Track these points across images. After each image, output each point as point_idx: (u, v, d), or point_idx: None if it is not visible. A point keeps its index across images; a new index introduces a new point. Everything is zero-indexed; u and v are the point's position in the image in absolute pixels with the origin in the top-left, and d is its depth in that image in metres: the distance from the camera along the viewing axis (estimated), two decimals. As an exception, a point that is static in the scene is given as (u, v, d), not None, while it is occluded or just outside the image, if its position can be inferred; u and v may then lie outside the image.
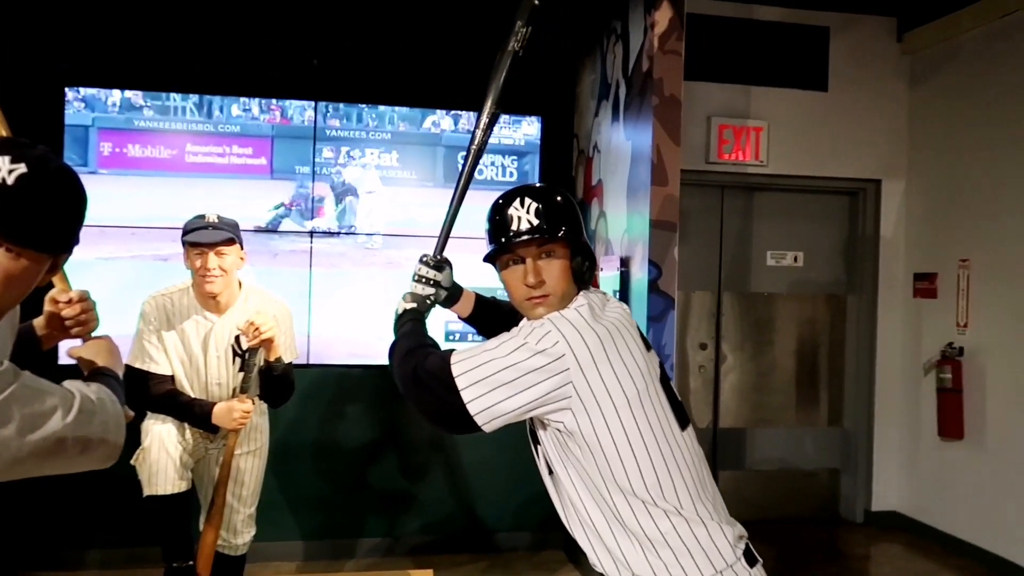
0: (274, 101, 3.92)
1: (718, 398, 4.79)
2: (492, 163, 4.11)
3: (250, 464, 2.86)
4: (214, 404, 2.61)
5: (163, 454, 2.60)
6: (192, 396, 2.67)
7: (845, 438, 4.93)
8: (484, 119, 1.85)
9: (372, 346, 3.86)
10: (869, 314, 4.82)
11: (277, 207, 3.98)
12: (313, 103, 3.95)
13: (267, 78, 3.95)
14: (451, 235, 1.87)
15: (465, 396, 1.45)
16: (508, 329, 1.84)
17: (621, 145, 3.52)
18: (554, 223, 1.55)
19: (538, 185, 1.68)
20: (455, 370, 1.47)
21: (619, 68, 3.56)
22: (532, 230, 1.53)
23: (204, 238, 2.53)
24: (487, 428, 1.47)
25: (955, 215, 4.41)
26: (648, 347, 1.58)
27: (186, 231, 2.57)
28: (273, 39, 3.97)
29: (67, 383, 1.29)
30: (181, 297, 2.67)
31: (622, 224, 3.51)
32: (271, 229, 3.96)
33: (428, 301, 1.83)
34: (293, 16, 3.94)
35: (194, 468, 2.82)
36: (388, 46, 4.09)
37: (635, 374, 1.48)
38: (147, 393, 2.62)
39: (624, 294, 3.40)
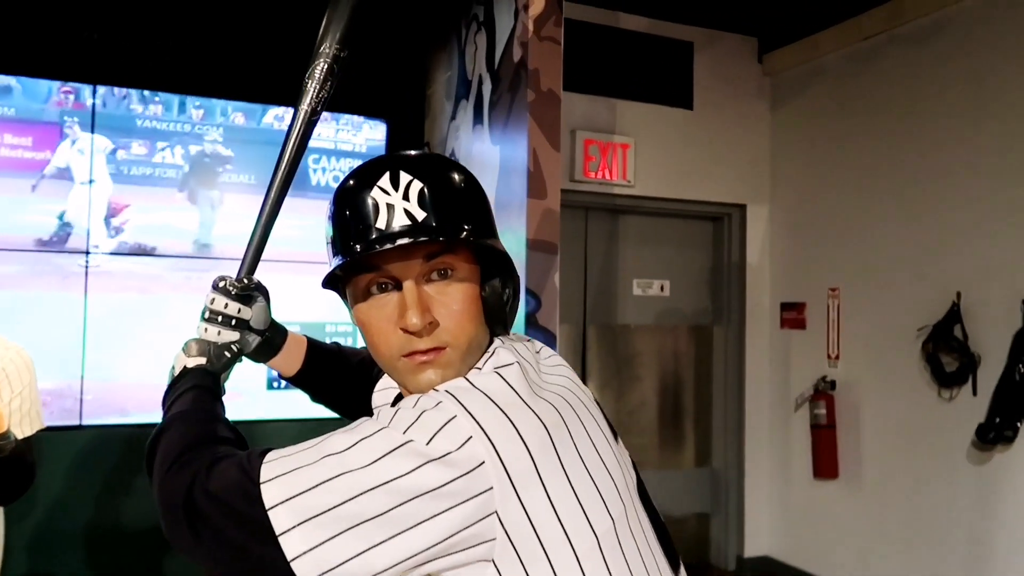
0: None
1: (584, 443, 4.31)
2: (327, 168, 3.41)
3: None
4: None
5: None
6: None
7: (714, 479, 4.60)
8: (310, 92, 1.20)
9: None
10: (736, 346, 4.54)
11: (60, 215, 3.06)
12: (92, 86, 3.08)
13: (38, 53, 3.04)
14: (265, 251, 1.19)
15: (289, 545, 0.78)
16: (366, 400, 1.18)
17: (487, 152, 2.96)
18: (453, 215, 0.92)
19: (421, 153, 1.03)
20: (269, 493, 0.80)
21: (482, 61, 3.00)
22: (414, 228, 0.89)
23: None
24: None
25: (822, 242, 4.23)
26: (615, 435, 0.98)
27: None
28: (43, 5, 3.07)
29: None
30: None
31: (488, 245, 2.93)
32: (48, 248, 3.02)
33: (228, 354, 1.13)
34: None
35: None
36: (195, 24, 3.30)
37: (607, 491, 0.87)
38: None
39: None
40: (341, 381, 1.30)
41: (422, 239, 0.88)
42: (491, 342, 0.95)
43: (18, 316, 2.97)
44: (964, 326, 3.47)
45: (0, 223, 2.97)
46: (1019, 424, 3.26)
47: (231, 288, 1.13)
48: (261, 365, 1.25)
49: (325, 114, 3.38)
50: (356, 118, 3.46)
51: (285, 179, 1.17)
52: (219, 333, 1.13)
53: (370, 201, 0.90)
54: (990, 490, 3.39)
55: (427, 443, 0.80)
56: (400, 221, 0.89)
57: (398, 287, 0.91)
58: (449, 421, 0.81)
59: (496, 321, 0.95)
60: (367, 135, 3.49)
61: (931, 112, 3.66)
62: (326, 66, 1.19)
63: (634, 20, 4.18)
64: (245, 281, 1.14)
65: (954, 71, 3.56)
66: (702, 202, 4.44)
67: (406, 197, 0.90)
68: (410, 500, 0.78)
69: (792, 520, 4.39)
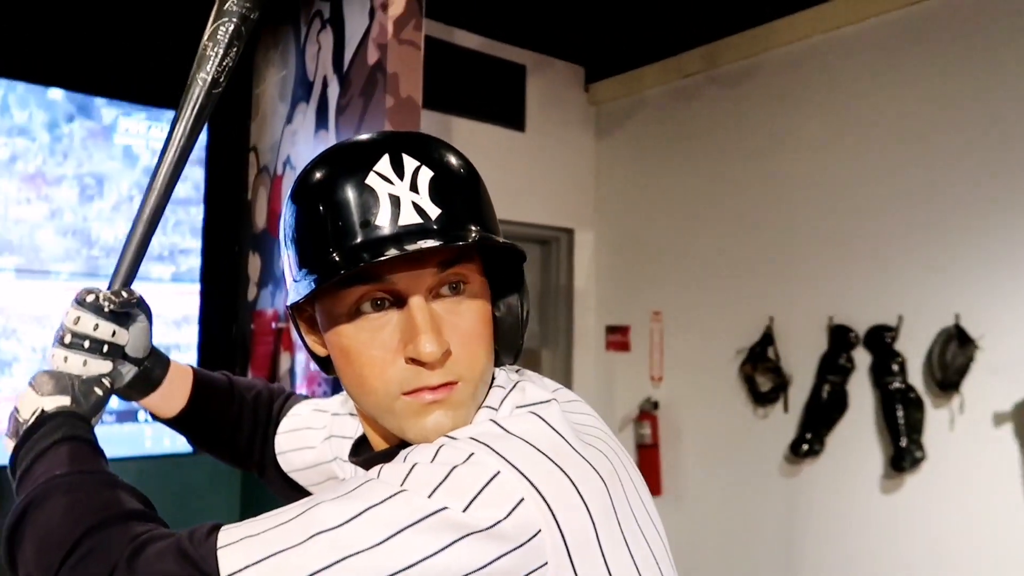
0: None
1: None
2: (127, 176, 2.98)
3: None
4: None
5: None
6: None
7: (542, 504, 4.58)
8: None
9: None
10: (564, 369, 4.58)
11: None
12: None
13: None
14: (143, 259, 0.92)
15: None
16: (265, 447, 0.95)
17: (331, 159, 2.71)
18: (473, 214, 0.72)
19: (412, 132, 0.79)
20: None
21: (328, 62, 2.76)
22: (428, 228, 0.69)
23: None
24: None
25: (645, 266, 4.39)
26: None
27: None
28: None
29: None
30: None
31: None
32: None
33: (99, 390, 0.85)
34: None
35: None
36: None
37: (659, 554, 0.72)
38: None
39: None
40: (233, 423, 1.03)
41: (440, 244, 0.68)
42: (500, 375, 0.77)
43: None
44: (777, 348, 3.73)
45: None
46: (825, 439, 3.54)
47: (104, 303, 0.85)
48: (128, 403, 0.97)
49: (129, 105, 2.90)
50: (165, 112, 3.05)
51: (175, 167, 0.92)
52: (85, 363, 0.84)
53: (366, 191, 0.69)
54: (800, 500, 3.64)
55: (464, 510, 0.61)
56: (409, 218, 0.69)
57: (397, 304, 0.71)
58: (492, 479, 0.62)
59: (510, 348, 0.78)
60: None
61: (742, 148, 3.93)
62: (233, 27, 0.96)
63: (469, 38, 4.11)
64: (124, 295, 0.86)
65: (761, 112, 3.86)
66: (532, 224, 4.45)
67: (414, 188, 0.70)
68: None
69: (616, 539, 4.46)
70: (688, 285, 4.14)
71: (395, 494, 0.62)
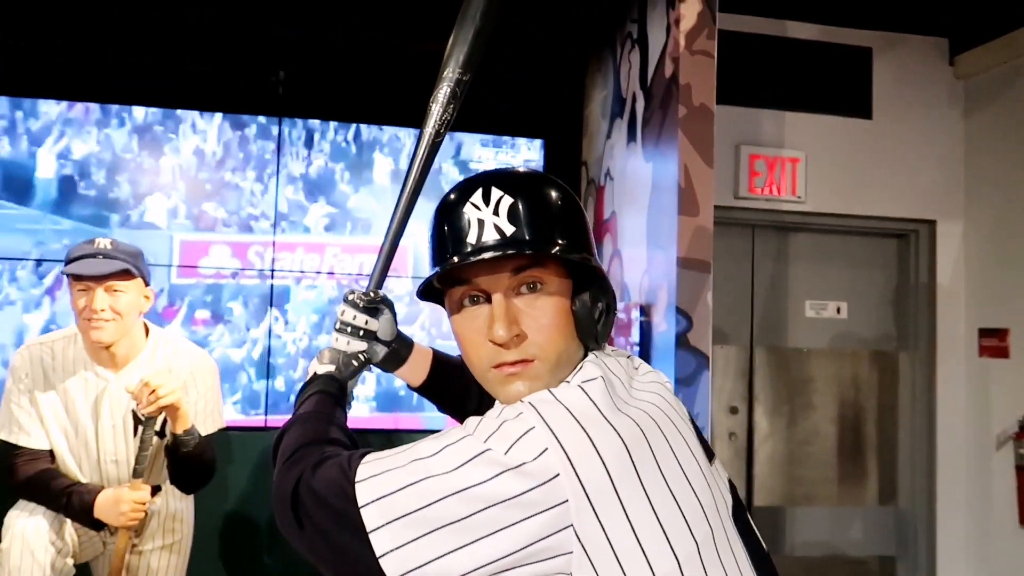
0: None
1: (752, 471, 4.10)
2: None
3: (164, 562, 2.19)
4: (99, 491, 1.97)
5: (26, 558, 1.94)
6: (73, 479, 2.03)
7: (901, 520, 4.20)
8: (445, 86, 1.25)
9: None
10: (926, 375, 4.14)
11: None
12: (277, 120, 3.39)
13: (228, 93, 3.41)
14: (392, 263, 1.25)
15: (378, 543, 0.81)
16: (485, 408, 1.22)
17: (639, 170, 2.93)
18: (543, 230, 0.93)
19: (516, 169, 1.07)
20: (362, 492, 0.84)
21: (636, 79, 2.99)
22: (502, 242, 0.91)
23: (88, 269, 1.92)
24: None
25: (1027, 260, 3.77)
26: (711, 456, 0.94)
27: (68, 260, 1.97)
28: (234, 51, 3.44)
29: None
30: (65, 347, 2.05)
31: (641, 264, 2.89)
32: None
33: (355, 363, 1.20)
34: (256, 27, 3.42)
35: (94, 567, 2.18)
36: (362, 59, 3.55)
37: (692, 513, 0.84)
38: (14, 474, 1.99)
39: (645, 351, 2.77)
40: (465, 391, 1.33)
41: (510, 252, 0.90)
42: (585, 356, 0.95)
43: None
44: None
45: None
46: None
47: (359, 301, 1.20)
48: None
49: (485, 136, 3.46)
50: (514, 139, 3.55)
51: (411, 198, 1.23)
52: (348, 343, 1.20)
53: (463, 216, 0.94)
54: None
55: (505, 452, 0.82)
56: (490, 236, 0.92)
57: (489, 300, 0.94)
58: (527, 432, 0.83)
59: (587, 335, 0.95)
60: (525, 155, 3.57)
61: None
62: (449, 90, 1.24)
63: (804, 28, 3.98)
64: (371, 295, 1.21)
65: None
66: (883, 218, 4.11)
67: (496, 212, 0.93)
68: (487, 508, 0.80)
69: (995, 572, 3.91)
70: (1084, 280, 3.48)
71: (465, 437, 0.86)
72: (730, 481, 0.97)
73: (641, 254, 2.89)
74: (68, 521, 2.01)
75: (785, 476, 4.14)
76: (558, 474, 0.80)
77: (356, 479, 0.85)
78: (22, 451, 2.00)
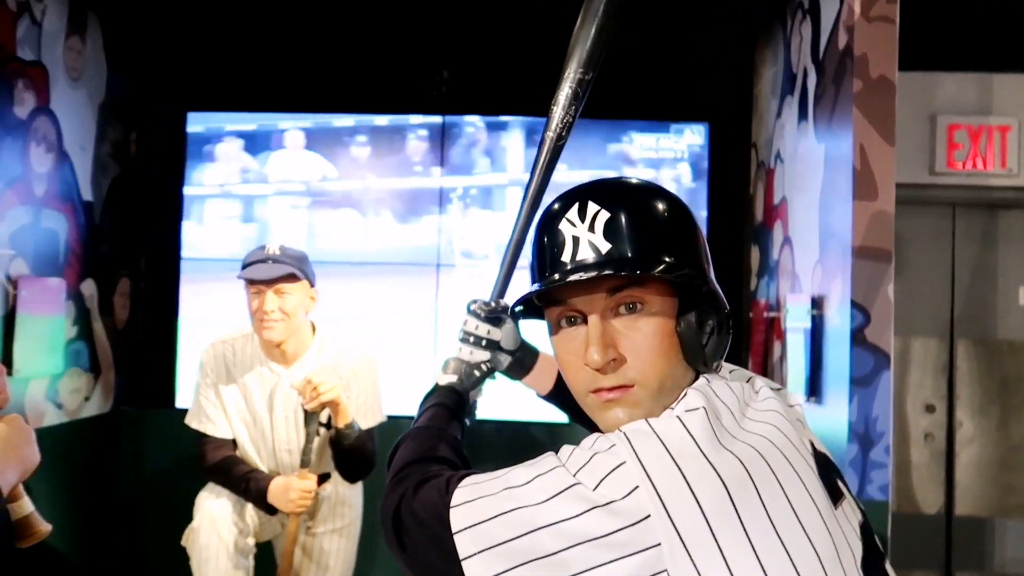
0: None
1: (952, 476, 3.69)
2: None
3: (335, 544, 2.35)
4: (272, 479, 2.13)
5: (213, 538, 2.14)
6: (253, 466, 2.21)
7: None
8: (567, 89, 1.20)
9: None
10: None
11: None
12: (441, 117, 3.48)
13: (390, 92, 3.55)
14: (511, 278, 1.23)
15: (469, 570, 0.80)
16: None
17: (811, 150, 2.71)
18: (642, 247, 0.86)
19: (619, 180, 1.00)
20: (456, 518, 0.82)
21: (807, 52, 2.75)
22: (597, 262, 0.86)
23: (260, 274, 2.07)
24: None
25: None
26: (837, 497, 0.84)
27: (243, 265, 2.13)
28: (397, 51, 3.56)
29: None
30: (244, 345, 2.23)
31: (813, 253, 2.68)
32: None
33: (477, 373, 1.19)
34: (417, 25, 3.51)
35: (275, 545, 2.38)
36: (526, 51, 3.55)
37: (805, 564, 0.75)
38: (203, 459, 2.20)
39: (817, 349, 2.56)
40: None
41: (606, 272, 0.84)
42: (695, 379, 0.87)
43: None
44: None
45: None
46: None
47: (480, 311, 1.19)
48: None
49: (644, 123, 3.31)
50: (677, 124, 3.41)
51: (532, 205, 1.20)
52: (471, 353, 1.20)
53: (559, 233, 0.89)
54: None
55: (594, 488, 0.77)
56: (584, 254, 0.87)
57: (586, 321, 0.89)
58: (618, 467, 0.77)
59: (695, 358, 0.87)
60: (688, 140, 3.42)
61: None
62: (571, 91, 1.19)
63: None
64: (493, 304, 1.20)
65: None
66: None
67: (592, 229, 0.87)
68: (577, 545, 0.76)
69: None
70: None
71: (557, 467, 0.81)
72: (865, 526, 0.86)
73: (813, 242, 2.67)
74: (249, 503, 2.20)
75: (994, 483, 3.69)
76: (649, 515, 0.74)
77: (451, 504, 0.83)
78: (209, 439, 2.20)
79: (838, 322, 2.43)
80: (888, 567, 0.87)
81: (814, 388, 2.59)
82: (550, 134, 1.20)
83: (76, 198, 3.18)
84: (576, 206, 0.89)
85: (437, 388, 1.18)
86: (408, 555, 0.88)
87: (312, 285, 2.18)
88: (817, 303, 2.59)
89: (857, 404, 2.32)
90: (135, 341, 3.59)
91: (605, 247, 0.86)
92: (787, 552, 0.74)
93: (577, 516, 0.76)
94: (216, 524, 2.14)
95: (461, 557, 0.80)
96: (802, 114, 2.81)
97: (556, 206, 0.92)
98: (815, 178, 2.66)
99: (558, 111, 1.20)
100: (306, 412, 2.11)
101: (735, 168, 3.52)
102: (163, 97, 3.63)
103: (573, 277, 0.85)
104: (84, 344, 3.26)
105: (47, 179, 2.99)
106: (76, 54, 3.14)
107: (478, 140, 3.48)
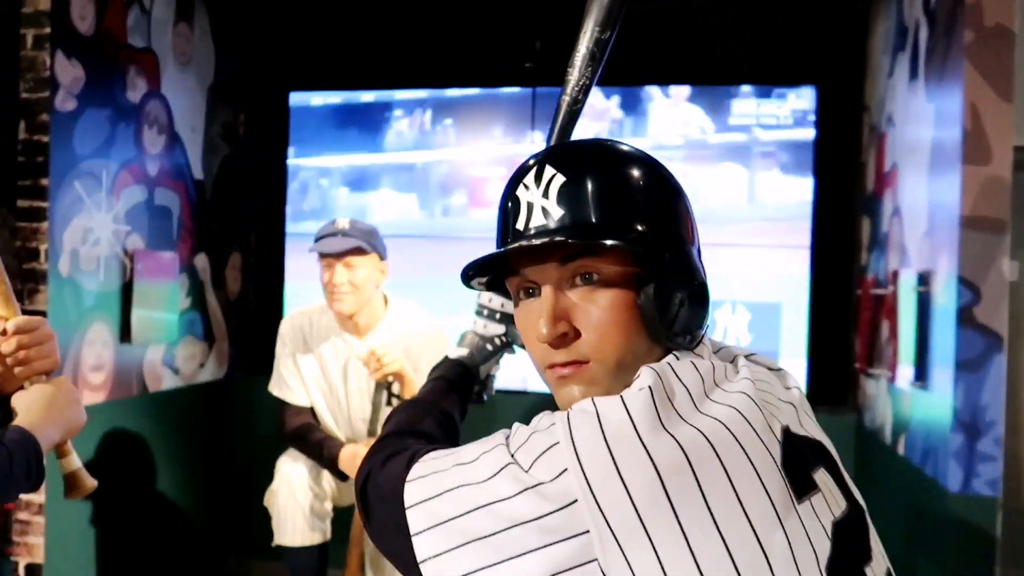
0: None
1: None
2: (753, 146, 3.23)
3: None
4: (343, 447, 2.20)
5: (291, 501, 2.24)
6: (330, 433, 2.29)
7: None
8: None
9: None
10: None
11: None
12: (531, 90, 3.44)
13: (482, 66, 3.53)
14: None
15: (419, 547, 0.77)
16: None
17: (920, 111, 2.47)
18: (599, 214, 0.80)
19: (584, 141, 0.92)
20: (410, 493, 0.80)
21: (919, 2, 2.50)
22: (548, 229, 0.81)
23: (329, 247, 2.13)
24: None
25: None
26: (805, 488, 0.74)
27: (315, 239, 2.20)
28: (488, 24, 3.54)
29: None
30: (320, 316, 2.31)
31: (921, 224, 2.45)
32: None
33: (490, 346, 1.17)
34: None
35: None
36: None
37: (747, 561, 0.68)
38: (283, 425, 2.30)
39: (923, 329, 2.35)
40: None
41: (546, 240, 0.79)
42: (665, 356, 0.81)
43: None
44: None
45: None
46: None
47: None
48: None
49: (745, 88, 3.15)
50: (778, 89, 3.20)
51: None
52: (485, 326, 1.18)
53: (515, 199, 0.85)
54: None
55: (527, 469, 0.74)
56: (537, 221, 0.82)
57: (538, 293, 0.84)
58: (551, 447, 0.73)
59: (658, 333, 0.80)
60: (792, 105, 3.20)
61: None
62: (587, 52, 1.13)
63: None
64: None
65: None
66: None
67: (546, 194, 0.82)
68: (512, 527, 0.73)
69: None
70: None
71: (498, 445, 0.78)
72: (849, 523, 0.76)
73: (922, 211, 2.44)
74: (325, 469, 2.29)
75: None
76: (576, 500, 0.70)
77: (407, 478, 0.82)
78: (289, 406, 2.31)
79: (945, 300, 2.22)
80: (876, 570, 0.77)
81: (921, 372, 2.39)
82: (566, 98, 1.14)
83: (187, 177, 3.38)
84: (534, 170, 0.84)
85: (445, 361, 1.17)
86: (373, 528, 0.87)
87: (382, 258, 2.21)
88: (924, 279, 2.37)
89: (964, 390, 2.11)
90: (246, 313, 3.80)
91: (558, 213, 0.81)
92: (726, 546, 0.68)
93: (511, 497, 0.73)
94: (293, 487, 2.24)
95: (411, 533, 0.78)
96: (913, 72, 2.56)
97: (517, 170, 0.87)
98: (924, 141, 2.42)
99: (575, 73, 1.14)
100: (376, 383, 2.16)
101: (845, 133, 3.27)
102: (268, 78, 3.79)
103: (514, 245, 0.81)
104: (198, 314, 3.48)
105: (159, 159, 3.19)
106: (184, 40, 3.32)
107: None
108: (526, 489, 0.72)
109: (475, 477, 0.77)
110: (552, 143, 1.14)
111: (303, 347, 2.30)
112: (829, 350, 3.27)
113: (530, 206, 0.83)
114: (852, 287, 3.29)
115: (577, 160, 0.84)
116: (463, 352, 1.18)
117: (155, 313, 3.14)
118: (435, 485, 0.79)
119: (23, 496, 2.70)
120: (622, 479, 0.69)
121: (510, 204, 0.85)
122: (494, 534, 0.73)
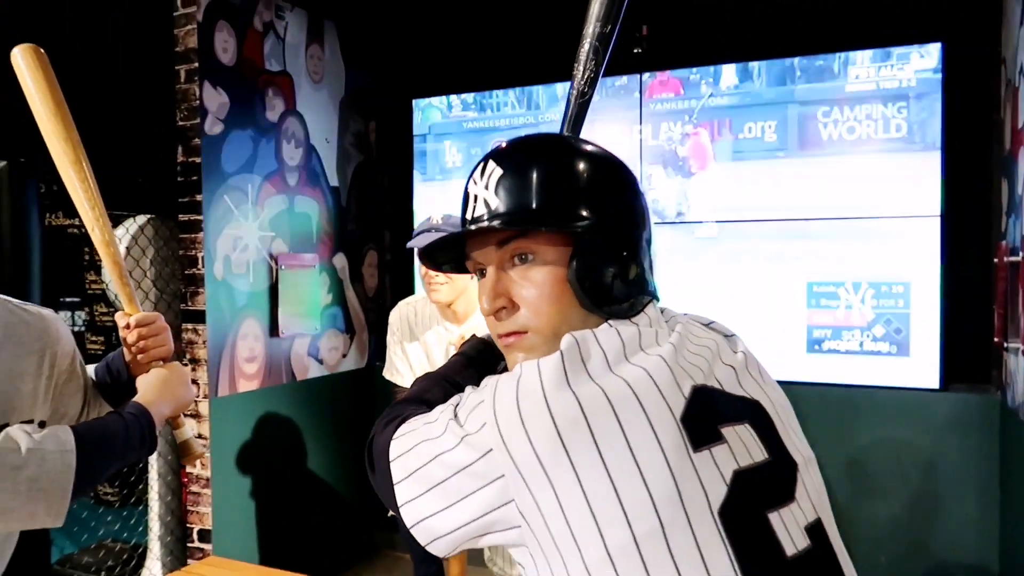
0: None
1: None
2: (868, 116, 3.08)
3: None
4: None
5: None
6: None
7: None
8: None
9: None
10: None
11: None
12: (638, 76, 3.46)
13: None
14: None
15: (399, 494, 0.91)
16: None
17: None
18: (529, 201, 0.91)
19: (529, 137, 1.00)
20: (393, 448, 0.94)
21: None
22: (484, 217, 0.93)
23: (422, 242, 2.29)
24: (433, 550, 0.90)
25: None
26: (706, 439, 0.80)
27: (414, 235, 2.39)
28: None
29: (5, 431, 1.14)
30: (424, 306, 2.49)
31: (1052, 184, 2.25)
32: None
33: None
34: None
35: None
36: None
37: (634, 503, 0.76)
38: (394, 407, 2.52)
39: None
40: None
41: (491, 226, 0.91)
42: (603, 323, 0.89)
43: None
44: None
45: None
46: None
47: None
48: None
49: (863, 53, 3.04)
50: (900, 49, 3.02)
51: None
52: None
53: (466, 192, 0.98)
54: None
55: (462, 423, 0.86)
56: (479, 211, 0.94)
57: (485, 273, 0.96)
58: (479, 404, 0.85)
59: (590, 304, 0.90)
60: (916, 66, 3.01)
61: None
62: (590, 47, 1.20)
63: None
64: None
65: None
66: None
67: (487, 186, 0.94)
68: (455, 474, 0.85)
69: None
70: None
71: (453, 404, 0.90)
72: (749, 472, 0.80)
73: (1053, 171, 2.24)
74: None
75: None
76: (491, 449, 0.81)
77: (394, 436, 0.94)
78: (400, 389, 2.51)
79: (1070, 266, 2.04)
80: (776, 516, 0.80)
81: (1054, 346, 2.20)
82: (573, 91, 1.22)
83: (324, 184, 3.71)
84: (482, 166, 0.95)
85: (472, 339, 1.27)
86: (374, 479, 1.00)
87: (476, 248, 2.37)
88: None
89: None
90: (384, 305, 4.11)
91: (494, 203, 0.92)
92: (614, 488, 0.76)
93: (453, 449, 0.85)
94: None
95: (394, 482, 0.91)
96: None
97: (474, 167, 0.98)
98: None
99: (580, 67, 1.21)
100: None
101: (977, 90, 3.02)
102: (394, 88, 4.06)
103: (456, 232, 0.94)
104: (339, 309, 3.82)
105: (298, 170, 3.54)
106: (316, 60, 3.65)
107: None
108: (462, 440, 0.84)
109: (433, 433, 0.89)
110: (567, 132, 1.23)
111: (409, 335, 2.50)
112: (967, 325, 3.06)
113: (476, 198, 0.95)
114: (990, 256, 3.04)
115: (517, 154, 0.94)
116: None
117: (299, 309, 3.49)
118: (409, 441, 0.92)
119: (192, 470, 3.14)
120: (526, 430, 0.79)
121: (465, 196, 0.97)
122: (444, 480, 0.85)
